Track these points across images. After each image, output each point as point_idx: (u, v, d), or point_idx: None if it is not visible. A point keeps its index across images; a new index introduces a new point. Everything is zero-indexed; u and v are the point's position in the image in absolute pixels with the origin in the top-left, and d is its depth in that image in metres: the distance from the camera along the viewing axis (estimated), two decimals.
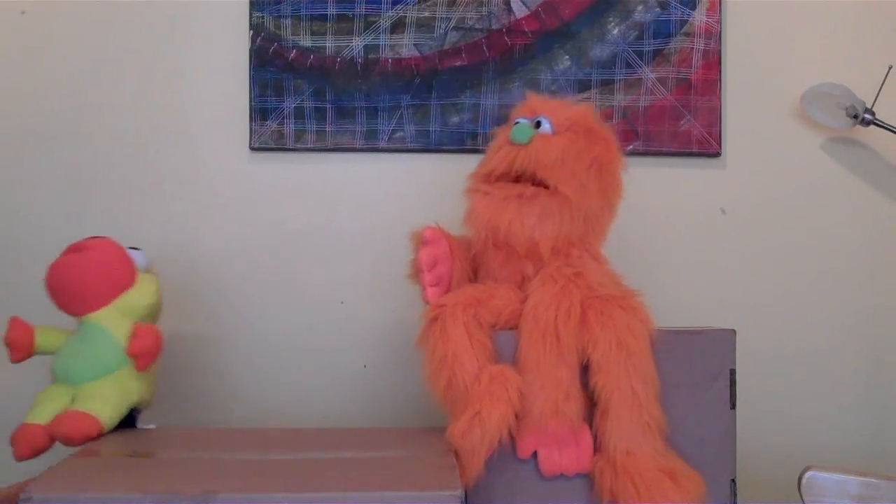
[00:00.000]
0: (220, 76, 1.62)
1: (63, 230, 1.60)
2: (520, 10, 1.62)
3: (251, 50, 1.60)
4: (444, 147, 1.61)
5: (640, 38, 1.62)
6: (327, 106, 1.61)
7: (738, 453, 1.23)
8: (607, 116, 1.60)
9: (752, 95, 1.64)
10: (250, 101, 1.60)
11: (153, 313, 1.35)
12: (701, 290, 1.63)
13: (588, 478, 1.18)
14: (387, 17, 1.61)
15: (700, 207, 1.65)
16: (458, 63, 1.61)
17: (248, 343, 1.61)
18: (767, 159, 1.65)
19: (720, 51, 1.62)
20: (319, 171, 1.63)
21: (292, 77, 1.60)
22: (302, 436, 1.30)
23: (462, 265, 1.29)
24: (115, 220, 1.60)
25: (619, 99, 1.62)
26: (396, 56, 1.61)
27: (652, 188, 1.62)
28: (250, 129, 1.61)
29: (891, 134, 1.59)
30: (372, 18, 1.61)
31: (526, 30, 1.61)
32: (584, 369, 1.18)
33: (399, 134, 1.61)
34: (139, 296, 1.32)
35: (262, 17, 1.61)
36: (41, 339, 1.31)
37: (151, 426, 1.31)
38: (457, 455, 1.13)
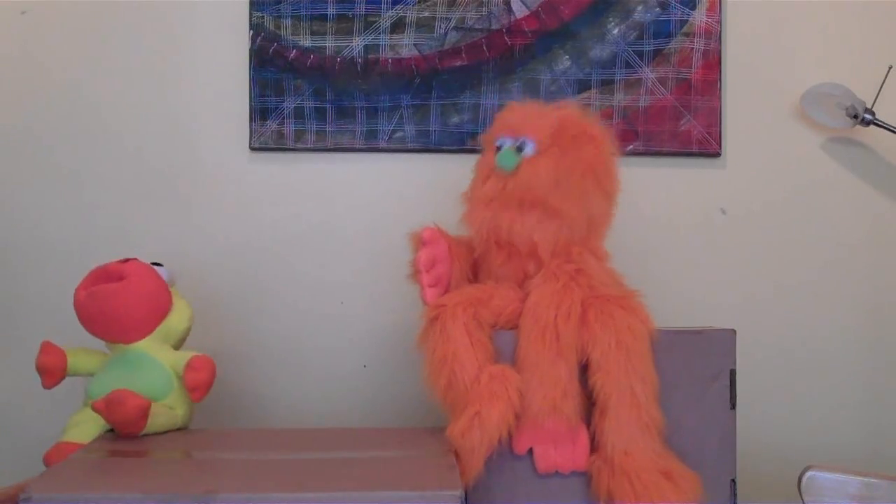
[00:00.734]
0: (220, 76, 1.62)
1: (63, 230, 1.61)
2: (520, 10, 1.62)
3: (251, 50, 1.60)
4: (444, 147, 1.61)
5: (640, 38, 1.62)
6: (327, 106, 1.61)
7: (738, 453, 1.23)
8: (607, 116, 1.60)
9: (752, 95, 1.64)
10: (250, 101, 1.60)
11: (188, 335, 1.37)
12: (701, 290, 1.63)
13: (586, 477, 1.18)
14: (387, 17, 1.61)
15: (700, 207, 1.65)
16: (458, 63, 1.61)
17: (247, 343, 1.61)
18: (767, 159, 1.65)
19: (720, 51, 1.62)
20: (319, 171, 1.63)
21: (292, 77, 1.60)
22: (302, 436, 1.30)
23: (461, 265, 1.29)
24: (115, 220, 1.61)
25: (619, 99, 1.62)
26: (396, 56, 1.61)
27: (652, 188, 1.62)
28: (250, 129, 1.61)
29: (891, 134, 1.59)
30: (372, 18, 1.61)
31: (526, 30, 1.61)
32: (584, 369, 1.18)
33: (399, 134, 1.61)
34: (178, 321, 1.34)
35: (262, 17, 1.61)
36: (73, 362, 1.31)
37: None
38: (457, 455, 1.13)
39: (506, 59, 1.61)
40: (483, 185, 1.27)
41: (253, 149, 1.61)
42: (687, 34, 1.62)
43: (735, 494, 1.22)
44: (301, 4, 1.61)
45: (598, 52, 1.62)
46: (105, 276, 1.30)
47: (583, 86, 1.62)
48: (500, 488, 1.18)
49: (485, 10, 1.61)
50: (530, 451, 1.18)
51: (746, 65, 1.64)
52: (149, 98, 1.62)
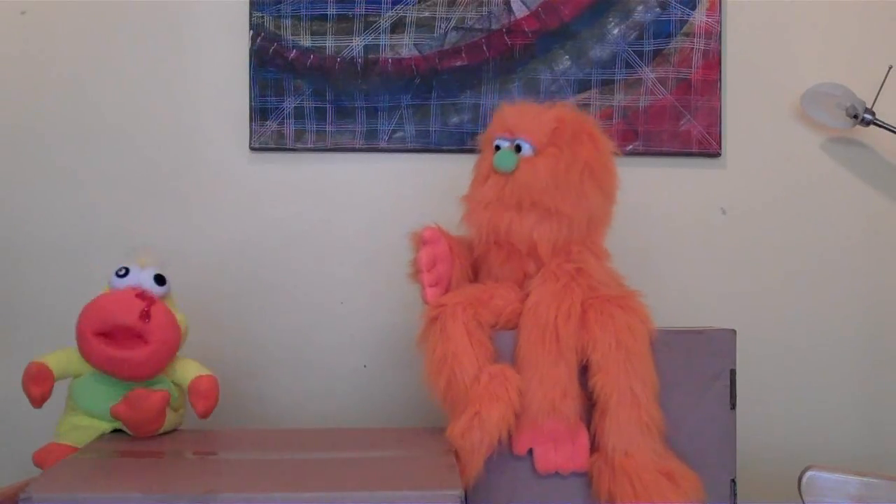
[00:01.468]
0: (220, 76, 1.62)
1: (63, 230, 1.61)
2: (520, 10, 1.62)
3: (251, 50, 1.60)
4: (444, 147, 1.61)
5: (640, 38, 1.62)
6: (327, 106, 1.61)
7: (738, 453, 1.23)
8: (607, 116, 1.61)
9: (752, 95, 1.64)
10: (250, 101, 1.60)
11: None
12: (701, 290, 1.63)
13: (586, 478, 1.18)
14: (387, 17, 1.61)
15: (700, 207, 1.64)
16: (458, 63, 1.61)
17: (247, 343, 1.61)
18: (767, 159, 1.65)
19: (720, 51, 1.62)
20: (319, 171, 1.63)
21: (292, 77, 1.60)
22: (302, 436, 1.30)
23: (462, 265, 1.29)
24: (115, 220, 1.60)
25: (619, 99, 1.62)
26: (396, 56, 1.61)
27: (652, 188, 1.62)
28: (250, 129, 1.61)
29: (891, 134, 1.59)
30: (372, 18, 1.61)
31: (526, 30, 1.61)
32: (584, 369, 1.18)
33: (399, 134, 1.61)
34: (182, 344, 1.32)
35: (262, 17, 1.61)
36: (58, 370, 1.27)
37: None
38: (457, 455, 1.13)
39: (506, 59, 1.61)
40: (482, 186, 1.27)
41: (253, 149, 1.61)
42: (687, 34, 1.62)
43: (735, 494, 1.22)
44: (301, 4, 1.61)
45: (598, 52, 1.62)
46: (125, 332, 1.23)
47: (583, 86, 1.62)
48: (500, 488, 1.18)
49: (485, 10, 1.61)
50: (530, 451, 1.18)
51: (746, 65, 1.64)
52: (149, 98, 1.62)
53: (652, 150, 1.62)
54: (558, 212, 1.23)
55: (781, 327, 1.63)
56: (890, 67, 1.58)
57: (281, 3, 1.61)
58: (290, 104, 1.60)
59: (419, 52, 1.61)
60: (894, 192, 1.65)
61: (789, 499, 1.23)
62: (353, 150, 1.62)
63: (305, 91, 1.61)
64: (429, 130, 1.61)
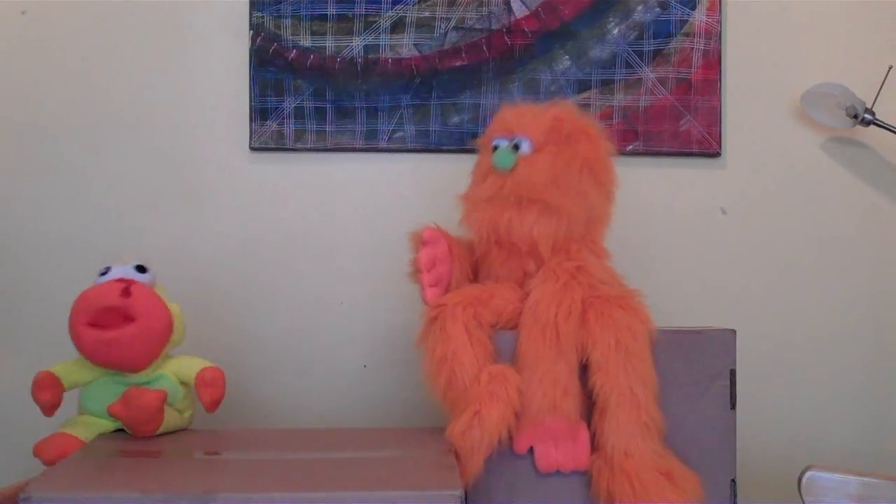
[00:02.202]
0: (220, 76, 1.62)
1: (63, 229, 1.61)
2: (520, 10, 1.62)
3: (251, 50, 1.60)
4: (444, 147, 1.61)
5: (640, 38, 1.62)
6: (327, 106, 1.61)
7: (738, 453, 1.23)
8: (607, 116, 1.61)
9: (752, 95, 1.64)
10: (250, 101, 1.60)
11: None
12: (701, 290, 1.63)
13: (586, 477, 1.18)
14: (387, 17, 1.61)
15: (700, 207, 1.64)
16: (458, 63, 1.61)
17: (247, 343, 1.61)
18: (767, 159, 1.65)
19: (720, 51, 1.62)
20: (319, 171, 1.63)
21: (292, 77, 1.60)
22: (302, 436, 1.30)
23: (461, 265, 1.29)
24: (115, 219, 1.61)
25: (619, 99, 1.62)
26: (396, 56, 1.61)
27: (652, 188, 1.62)
28: (250, 129, 1.61)
29: (891, 134, 1.59)
30: (372, 18, 1.61)
31: (526, 30, 1.62)
32: (584, 369, 1.18)
33: (399, 134, 1.61)
34: (177, 335, 1.31)
35: (262, 17, 1.61)
36: (66, 378, 1.27)
37: None
38: (457, 455, 1.13)
39: (506, 59, 1.61)
40: (481, 186, 1.27)
41: (253, 149, 1.61)
42: (687, 34, 1.62)
43: (735, 494, 1.22)
44: (301, 4, 1.61)
45: (598, 52, 1.62)
46: (109, 314, 1.22)
47: (583, 86, 1.62)
48: (500, 488, 1.18)
49: (485, 10, 1.61)
50: (531, 450, 1.18)
51: (746, 65, 1.64)
52: (148, 98, 1.62)
53: (652, 150, 1.62)
54: (558, 208, 1.23)
55: (781, 327, 1.63)
56: (890, 67, 1.58)
57: (281, 3, 1.61)
58: (290, 104, 1.60)
59: (419, 52, 1.61)
60: (894, 191, 1.65)
61: (789, 499, 1.23)
62: (353, 150, 1.62)
63: (305, 91, 1.61)
64: (429, 130, 1.61)
